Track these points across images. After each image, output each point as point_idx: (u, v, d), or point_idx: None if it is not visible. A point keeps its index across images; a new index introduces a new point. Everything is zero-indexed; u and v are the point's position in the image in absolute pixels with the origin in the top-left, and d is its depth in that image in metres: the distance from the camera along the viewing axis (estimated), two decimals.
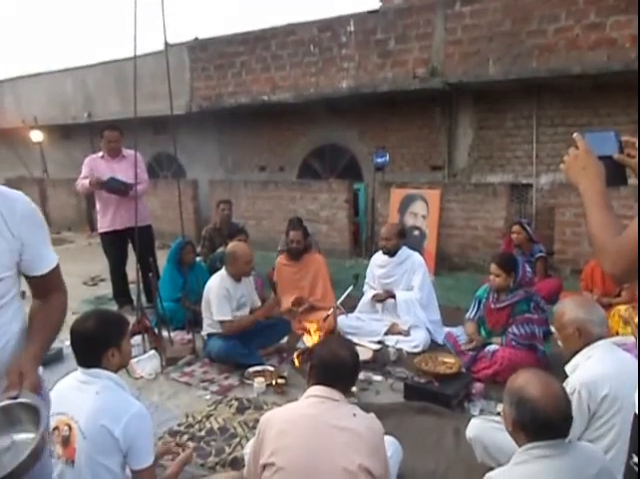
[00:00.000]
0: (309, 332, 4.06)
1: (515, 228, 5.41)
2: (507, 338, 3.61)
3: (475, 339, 3.75)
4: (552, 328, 3.17)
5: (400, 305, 4.43)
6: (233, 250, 4.03)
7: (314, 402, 1.78)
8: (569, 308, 2.40)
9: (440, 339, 4.25)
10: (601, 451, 1.94)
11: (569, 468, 1.62)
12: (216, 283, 3.95)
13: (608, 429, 2.06)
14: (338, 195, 8.08)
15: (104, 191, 5.05)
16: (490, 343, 3.69)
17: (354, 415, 1.77)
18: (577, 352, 2.31)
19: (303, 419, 1.76)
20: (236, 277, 4.02)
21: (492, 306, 3.78)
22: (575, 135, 1.48)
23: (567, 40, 6.69)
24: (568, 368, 2.30)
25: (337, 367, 1.85)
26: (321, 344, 2.11)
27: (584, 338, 2.29)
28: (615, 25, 6.39)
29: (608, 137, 1.45)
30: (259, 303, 4.28)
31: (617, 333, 3.78)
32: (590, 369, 2.17)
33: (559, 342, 2.46)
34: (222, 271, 4.06)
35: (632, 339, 3.56)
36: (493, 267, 3.71)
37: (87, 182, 5.06)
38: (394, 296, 4.49)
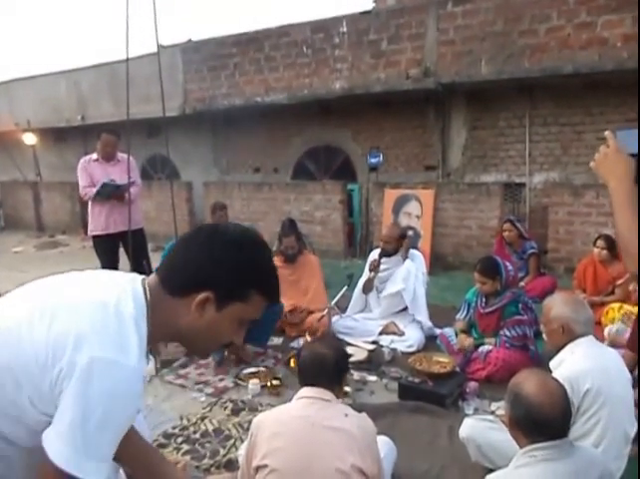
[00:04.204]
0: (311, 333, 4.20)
1: (506, 225, 5.44)
2: (501, 341, 3.62)
3: (466, 342, 3.74)
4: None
5: (400, 273, 4.42)
6: None
7: (305, 404, 1.78)
8: (557, 304, 2.41)
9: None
10: (601, 454, 1.95)
11: (572, 472, 1.60)
12: None
13: (594, 424, 2.07)
14: (332, 195, 8.09)
15: (99, 197, 4.99)
16: (483, 344, 3.69)
17: (345, 415, 1.77)
18: (561, 348, 2.32)
19: (295, 421, 1.76)
20: None
21: (482, 311, 3.79)
22: (607, 133, 1.48)
23: (559, 39, 6.72)
24: (553, 364, 2.31)
25: (318, 366, 1.86)
26: (306, 346, 2.13)
27: (567, 335, 2.31)
28: (606, 24, 6.43)
29: (635, 134, 1.44)
30: None
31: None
32: (573, 364, 2.18)
33: (544, 335, 2.48)
34: None
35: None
36: (478, 276, 3.70)
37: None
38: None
